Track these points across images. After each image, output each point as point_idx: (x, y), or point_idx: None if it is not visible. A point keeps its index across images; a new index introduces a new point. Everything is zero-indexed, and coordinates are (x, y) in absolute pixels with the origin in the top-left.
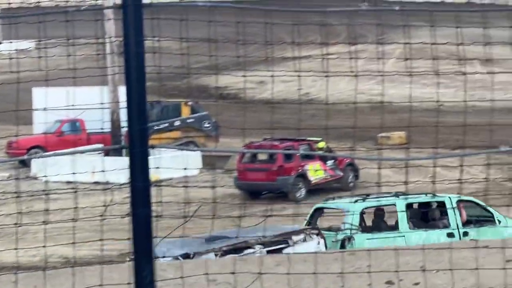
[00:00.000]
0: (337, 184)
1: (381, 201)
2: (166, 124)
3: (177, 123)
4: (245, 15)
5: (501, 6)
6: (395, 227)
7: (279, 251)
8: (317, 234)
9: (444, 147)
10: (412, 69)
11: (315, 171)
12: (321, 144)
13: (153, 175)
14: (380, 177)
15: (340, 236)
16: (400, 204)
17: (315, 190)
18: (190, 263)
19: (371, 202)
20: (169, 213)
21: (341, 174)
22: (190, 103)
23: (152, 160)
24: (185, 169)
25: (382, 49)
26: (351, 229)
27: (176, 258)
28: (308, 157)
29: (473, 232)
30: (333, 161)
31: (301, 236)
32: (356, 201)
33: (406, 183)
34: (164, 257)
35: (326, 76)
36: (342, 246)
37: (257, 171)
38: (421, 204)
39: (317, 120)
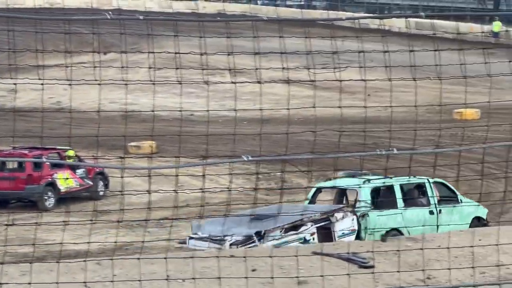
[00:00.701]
0: (87, 193)
1: (383, 182)
2: None
3: None
4: None
5: (249, 17)
6: (394, 206)
7: (325, 227)
8: (351, 212)
9: (193, 156)
10: (160, 79)
11: (65, 180)
12: (70, 153)
13: None
14: (123, 185)
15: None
16: (397, 185)
17: (65, 199)
18: None
19: (377, 183)
20: None
21: (91, 183)
22: None
23: None
24: None
25: (127, 59)
26: (365, 207)
27: (249, 237)
28: (57, 166)
29: (444, 210)
30: (82, 170)
31: (341, 214)
32: (364, 182)
33: (149, 192)
34: (229, 235)
35: (70, 85)
36: (358, 222)
37: (5, 180)
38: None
39: (68, 128)
